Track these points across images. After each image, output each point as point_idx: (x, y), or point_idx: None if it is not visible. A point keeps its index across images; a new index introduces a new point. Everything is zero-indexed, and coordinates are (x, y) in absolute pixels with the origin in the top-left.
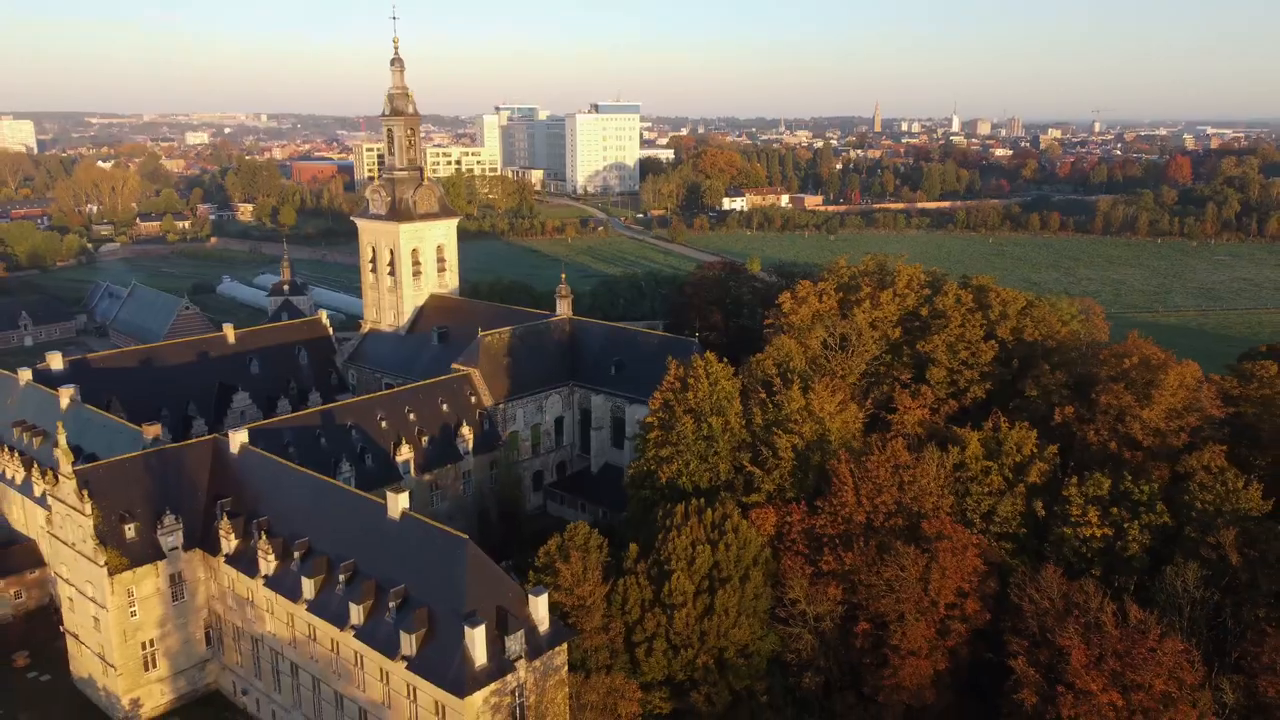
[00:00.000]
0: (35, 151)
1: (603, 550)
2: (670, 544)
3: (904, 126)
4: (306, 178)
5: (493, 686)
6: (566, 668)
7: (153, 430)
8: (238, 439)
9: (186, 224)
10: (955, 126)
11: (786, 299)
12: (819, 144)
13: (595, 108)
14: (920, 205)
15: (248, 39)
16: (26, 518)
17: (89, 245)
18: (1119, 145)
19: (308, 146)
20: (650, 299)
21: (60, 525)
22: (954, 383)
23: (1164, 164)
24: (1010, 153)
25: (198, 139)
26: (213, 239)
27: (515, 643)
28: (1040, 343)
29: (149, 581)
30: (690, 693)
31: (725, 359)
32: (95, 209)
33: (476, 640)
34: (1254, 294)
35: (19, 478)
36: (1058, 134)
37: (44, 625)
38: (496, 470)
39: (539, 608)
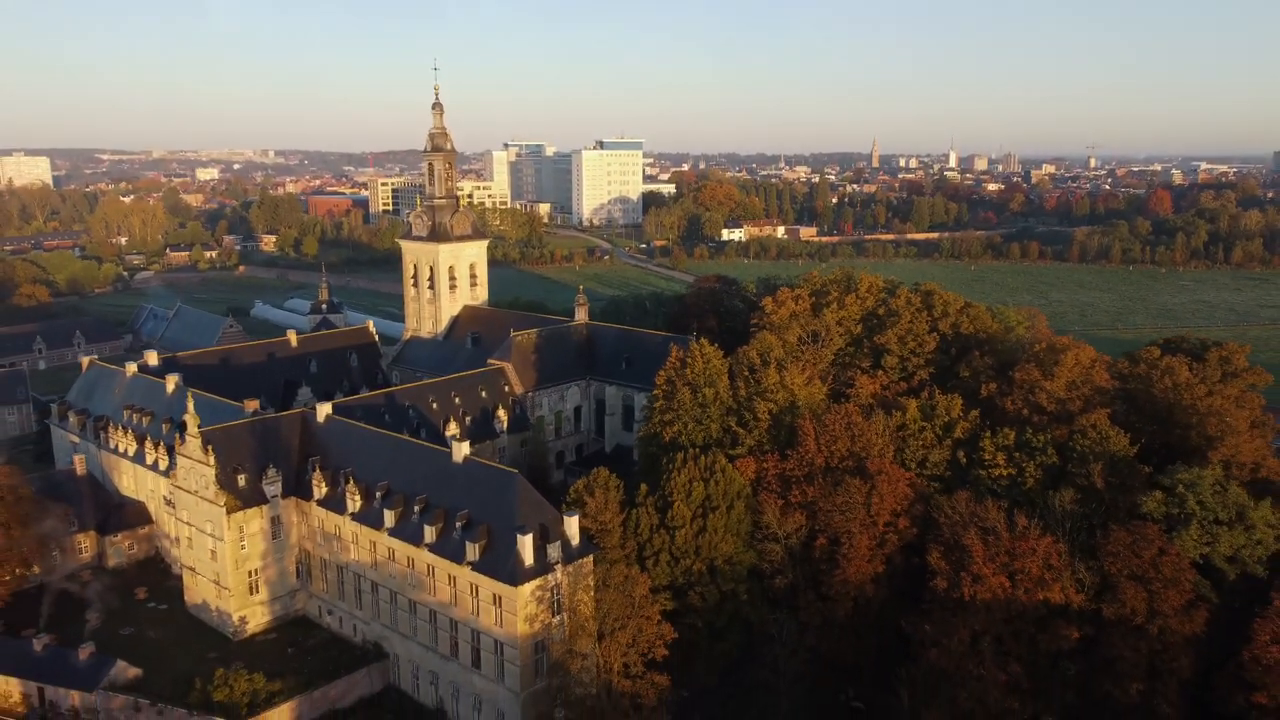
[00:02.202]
0: (51, 187)
1: (619, 490)
2: (672, 481)
3: (902, 162)
4: (322, 211)
5: (537, 581)
6: (593, 574)
7: (252, 404)
8: (323, 410)
9: (214, 254)
10: (952, 162)
11: (769, 302)
12: (816, 179)
13: (600, 144)
14: (909, 236)
15: (253, 79)
16: (136, 484)
17: (124, 273)
18: (1109, 180)
19: (318, 182)
20: (654, 317)
21: (185, 477)
22: (904, 368)
23: (1146, 197)
24: (1001, 187)
25: (208, 175)
26: (241, 267)
27: (554, 550)
28: (974, 335)
29: (255, 521)
30: (688, 593)
31: (717, 346)
32: (124, 240)
33: (526, 545)
34: (1208, 313)
35: (130, 450)
36: (1052, 169)
37: (152, 571)
38: (526, 447)
39: (572, 526)
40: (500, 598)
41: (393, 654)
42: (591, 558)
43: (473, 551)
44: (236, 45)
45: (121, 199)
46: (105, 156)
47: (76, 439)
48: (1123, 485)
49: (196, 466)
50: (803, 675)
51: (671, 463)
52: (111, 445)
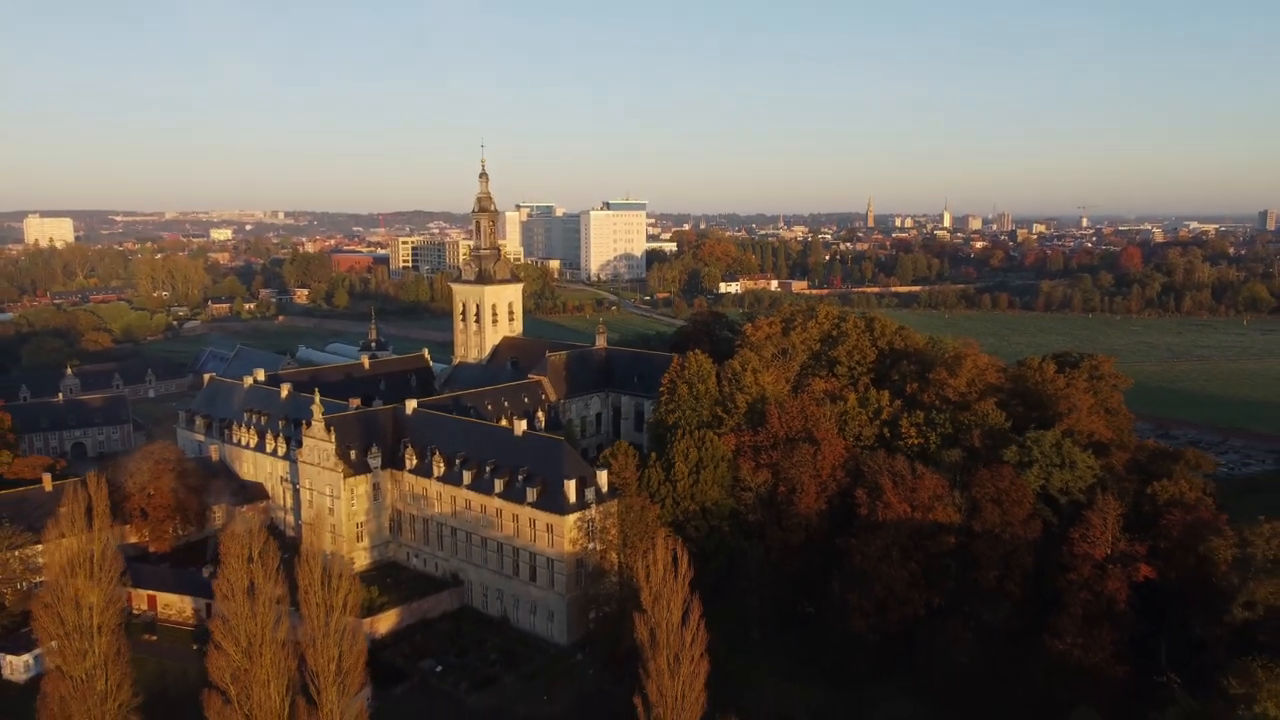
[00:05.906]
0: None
1: (635, 457)
2: (674, 448)
3: (897, 222)
4: (344, 268)
5: (578, 514)
6: (617, 514)
7: (355, 401)
8: (411, 405)
9: (253, 305)
10: (946, 222)
11: (749, 327)
12: (811, 238)
13: (607, 205)
14: (893, 289)
15: (261, 143)
16: (255, 469)
17: (174, 323)
18: (1094, 238)
19: (333, 241)
20: (657, 348)
21: (309, 453)
22: (851, 375)
23: (1118, 254)
24: (987, 244)
25: (222, 235)
26: (280, 317)
27: (590, 494)
28: (904, 350)
29: (362, 486)
30: (685, 527)
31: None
32: (167, 294)
33: (570, 488)
34: (1147, 352)
35: (252, 442)
36: (1042, 228)
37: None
38: None
39: (602, 478)
40: (552, 526)
41: (467, 581)
42: (617, 500)
43: (531, 495)
44: (243, 110)
45: (154, 257)
46: (119, 218)
47: (201, 437)
48: (995, 445)
49: (320, 444)
50: (769, 586)
51: (673, 437)
52: (235, 440)
